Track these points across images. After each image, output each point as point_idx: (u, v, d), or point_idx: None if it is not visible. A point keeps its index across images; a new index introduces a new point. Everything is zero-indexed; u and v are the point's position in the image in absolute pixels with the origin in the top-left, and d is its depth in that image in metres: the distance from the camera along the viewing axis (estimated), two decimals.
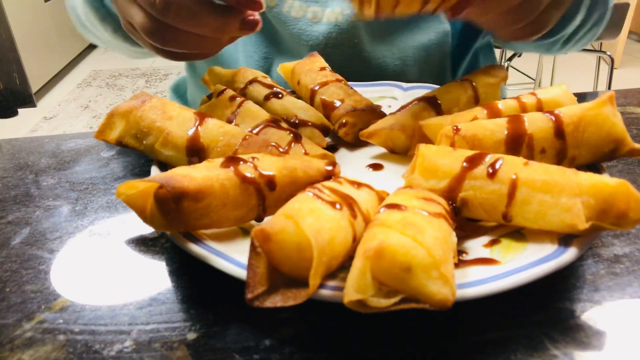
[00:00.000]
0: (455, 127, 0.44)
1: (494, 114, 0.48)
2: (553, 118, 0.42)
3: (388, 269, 0.29)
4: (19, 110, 3.01)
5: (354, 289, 0.28)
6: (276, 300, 0.29)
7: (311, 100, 0.59)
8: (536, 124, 0.42)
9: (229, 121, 0.51)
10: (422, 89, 0.62)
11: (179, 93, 0.91)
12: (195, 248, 0.34)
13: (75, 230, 0.44)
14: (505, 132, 0.43)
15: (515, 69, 2.97)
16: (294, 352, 0.31)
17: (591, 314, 0.33)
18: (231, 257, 0.33)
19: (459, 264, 0.34)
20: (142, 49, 0.64)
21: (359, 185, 0.39)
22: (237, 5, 0.43)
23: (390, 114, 0.54)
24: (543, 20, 0.48)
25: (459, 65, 0.80)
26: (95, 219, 0.46)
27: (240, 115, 0.51)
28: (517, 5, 0.44)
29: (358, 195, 0.37)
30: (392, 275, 0.29)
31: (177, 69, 3.45)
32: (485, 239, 0.37)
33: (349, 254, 0.33)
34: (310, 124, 0.53)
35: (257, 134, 0.48)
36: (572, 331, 0.32)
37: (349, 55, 0.73)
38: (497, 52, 2.36)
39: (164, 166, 0.46)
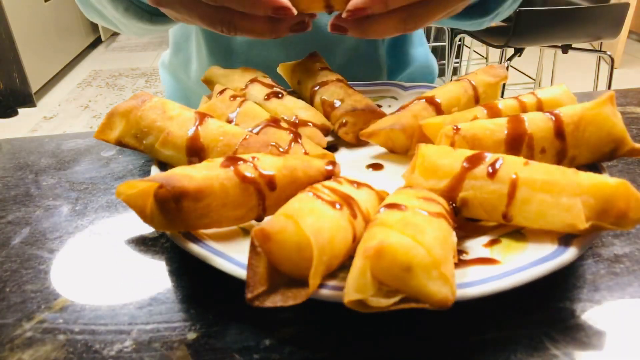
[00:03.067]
0: (455, 127, 0.44)
1: (494, 113, 0.48)
2: (553, 118, 0.42)
3: (388, 268, 0.29)
4: (19, 110, 3.01)
5: (354, 288, 0.28)
6: (276, 300, 0.29)
7: (311, 100, 0.59)
8: (536, 123, 0.42)
9: (229, 121, 0.51)
10: (422, 89, 0.62)
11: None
12: (195, 248, 0.34)
13: (75, 230, 0.44)
14: (505, 132, 0.43)
15: (515, 68, 2.97)
16: (294, 352, 0.31)
17: (591, 314, 0.33)
18: (231, 257, 0.33)
19: (459, 263, 0.34)
20: (155, 25, 0.64)
21: (359, 185, 0.39)
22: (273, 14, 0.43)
23: (390, 114, 0.54)
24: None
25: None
26: (95, 219, 0.46)
27: (240, 115, 0.51)
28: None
29: (358, 195, 0.37)
30: (392, 274, 0.29)
31: None
32: (485, 239, 0.37)
33: (349, 253, 0.33)
34: (310, 123, 0.53)
35: (257, 133, 0.48)
36: (572, 331, 0.32)
37: (349, 55, 0.74)
38: (497, 52, 2.36)
39: (164, 166, 0.46)
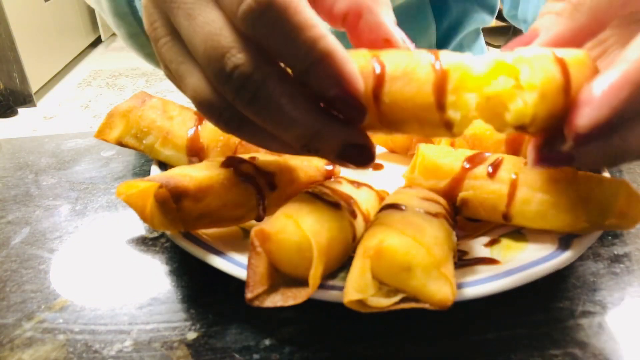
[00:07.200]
0: None
1: None
2: None
3: (388, 268, 0.29)
4: (19, 110, 3.01)
5: (354, 288, 0.28)
6: (276, 300, 0.29)
7: None
8: None
9: None
10: None
11: None
12: (195, 248, 0.34)
13: (75, 230, 0.44)
14: None
15: None
16: (294, 352, 0.31)
17: (591, 314, 0.33)
18: (231, 257, 0.33)
19: (459, 263, 0.34)
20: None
21: (359, 185, 0.39)
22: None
23: None
24: None
25: None
26: (95, 219, 0.46)
27: None
28: None
29: (358, 195, 0.37)
30: (392, 274, 0.29)
31: None
32: (485, 239, 0.37)
33: (349, 253, 0.33)
34: None
35: None
36: (572, 331, 0.32)
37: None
38: (497, 51, 2.36)
39: (164, 166, 0.46)
